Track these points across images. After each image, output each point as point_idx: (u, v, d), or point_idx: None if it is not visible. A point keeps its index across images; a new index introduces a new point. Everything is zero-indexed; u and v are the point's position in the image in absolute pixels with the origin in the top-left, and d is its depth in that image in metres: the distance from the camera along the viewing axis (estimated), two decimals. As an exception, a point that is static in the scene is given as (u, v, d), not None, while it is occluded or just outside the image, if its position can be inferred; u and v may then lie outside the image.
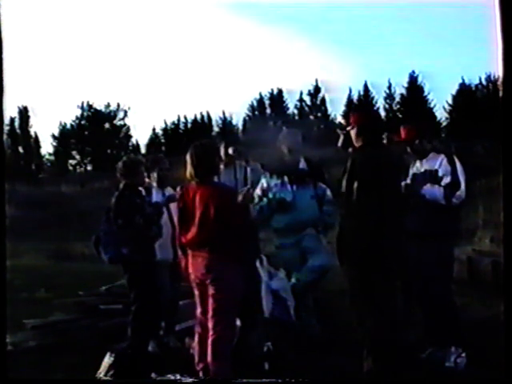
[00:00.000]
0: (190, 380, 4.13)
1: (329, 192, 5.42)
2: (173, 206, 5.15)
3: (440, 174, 4.64)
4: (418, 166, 4.81)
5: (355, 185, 4.02)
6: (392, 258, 4.07)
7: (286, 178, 5.38)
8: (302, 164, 5.47)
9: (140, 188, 5.08)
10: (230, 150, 5.68)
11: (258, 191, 5.34)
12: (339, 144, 4.40)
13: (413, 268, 4.64)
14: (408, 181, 4.78)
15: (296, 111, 43.06)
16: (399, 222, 4.14)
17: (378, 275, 4.05)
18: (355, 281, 4.12)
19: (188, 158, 4.21)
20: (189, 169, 4.21)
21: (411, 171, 4.84)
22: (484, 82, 38.70)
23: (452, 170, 4.63)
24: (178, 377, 4.15)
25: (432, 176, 4.66)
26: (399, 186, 4.33)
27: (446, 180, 4.59)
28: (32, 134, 43.76)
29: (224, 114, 43.46)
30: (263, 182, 5.42)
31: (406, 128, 4.88)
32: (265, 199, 5.32)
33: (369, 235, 3.99)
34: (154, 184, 5.44)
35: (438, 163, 4.69)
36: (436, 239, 4.60)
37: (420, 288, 4.70)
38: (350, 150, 4.32)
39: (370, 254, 3.99)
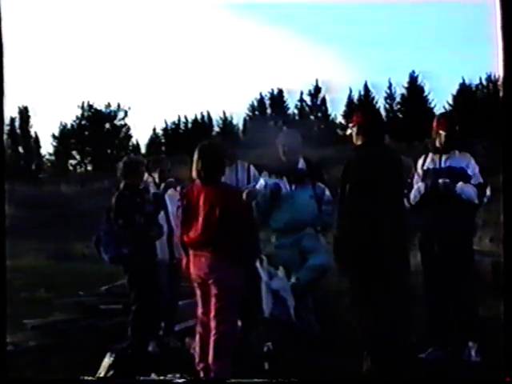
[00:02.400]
0: (187, 379, 4.13)
1: (328, 192, 5.43)
2: (170, 206, 5.16)
3: (470, 173, 4.66)
4: (436, 161, 4.79)
5: (350, 184, 4.03)
6: (390, 257, 4.08)
7: (284, 178, 5.39)
8: (301, 164, 5.48)
9: (140, 188, 5.09)
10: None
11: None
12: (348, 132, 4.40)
13: (439, 267, 4.69)
14: (420, 176, 4.79)
15: (296, 111, 43.03)
16: (398, 220, 4.14)
17: (375, 275, 4.06)
18: (353, 281, 4.12)
19: (196, 156, 4.20)
20: (196, 167, 4.19)
21: (425, 164, 4.82)
22: (484, 82, 38.70)
23: (480, 170, 4.68)
24: (178, 376, 4.15)
25: (462, 175, 4.66)
26: (399, 184, 4.33)
27: (478, 180, 4.63)
28: (32, 134, 43.74)
29: (224, 114, 43.44)
30: (261, 181, 5.42)
31: (444, 117, 4.92)
32: (261, 191, 5.34)
33: (366, 234, 4.00)
34: (151, 182, 5.43)
35: (466, 162, 4.70)
36: (462, 238, 4.68)
37: (448, 285, 4.73)
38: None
39: (367, 253, 3.99)
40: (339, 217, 4.18)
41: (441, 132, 4.76)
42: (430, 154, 4.83)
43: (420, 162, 4.88)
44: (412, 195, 4.76)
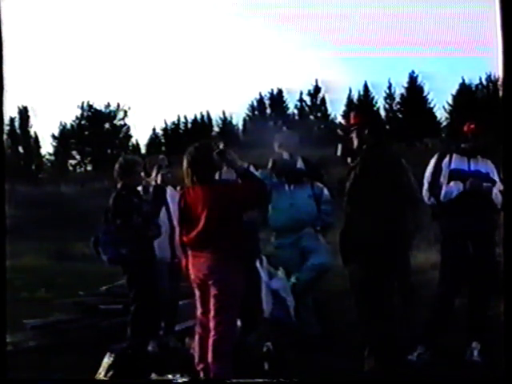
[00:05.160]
0: (187, 379, 4.13)
1: (326, 191, 5.45)
2: (172, 204, 5.16)
3: (497, 180, 4.75)
4: (464, 163, 4.83)
5: (368, 183, 4.05)
6: (401, 256, 4.13)
7: (283, 178, 5.41)
8: (300, 164, 5.49)
9: (138, 188, 5.09)
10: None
11: None
12: (338, 153, 4.42)
13: (464, 265, 4.73)
14: (443, 175, 4.82)
15: (296, 111, 42.99)
16: (405, 221, 4.17)
17: (387, 274, 4.09)
18: (362, 280, 4.11)
19: (185, 164, 4.17)
20: (188, 174, 4.17)
21: (451, 165, 4.84)
22: (484, 82, 38.70)
23: (499, 177, 4.76)
24: (178, 376, 4.15)
25: (491, 180, 4.76)
26: (399, 185, 4.34)
27: (501, 186, 4.66)
28: (32, 134, 43.70)
29: (224, 114, 43.36)
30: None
31: (474, 123, 4.91)
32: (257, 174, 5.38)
33: (370, 234, 4.01)
34: (153, 183, 5.44)
35: (491, 169, 4.81)
36: (494, 238, 4.75)
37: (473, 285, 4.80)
38: (349, 160, 4.35)
39: (369, 252, 4.01)
40: (347, 217, 4.20)
41: (479, 135, 4.83)
42: (455, 155, 4.86)
43: (446, 160, 4.87)
44: (446, 193, 4.77)
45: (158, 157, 5.77)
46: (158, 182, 5.31)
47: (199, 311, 4.27)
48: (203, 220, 4.11)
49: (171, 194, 5.31)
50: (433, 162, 4.91)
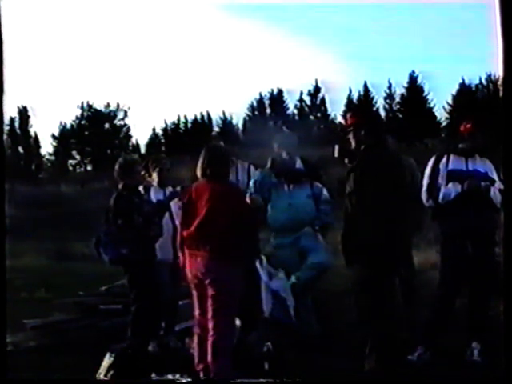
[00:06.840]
0: (188, 380, 4.13)
1: (325, 191, 5.45)
2: (174, 207, 5.16)
3: (496, 179, 4.74)
4: (462, 163, 4.82)
5: (368, 184, 4.05)
6: (404, 256, 4.13)
7: (282, 178, 5.42)
8: (299, 164, 5.50)
9: (139, 187, 5.09)
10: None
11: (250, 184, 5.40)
12: (335, 154, 4.42)
13: (465, 266, 4.73)
14: (441, 175, 4.81)
15: (296, 111, 43.02)
16: (403, 220, 4.17)
17: (389, 274, 4.09)
18: (364, 280, 4.10)
19: (202, 155, 4.22)
20: (201, 166, 4.20)
21: (449, 165, 4.83)
22: (484, 82, 38.71)
23: (498, 176, 4.74)
24: (178, 376, 4.15)
25: (489, 179, 4.75)
26: (400, 185, 4.34)
27: (500, 185, 4.66)
28: (32, 134, 43.74)
29: (224, 114, 43.41)
30: (257, 174, 5.43)
31: (470, 123, 4.91)
32: (257, 173, 5.40)
33: (371, 234, 4.01)
34: (154, 183, 5.45)
35: (489, 168, 4.80)
36: (493, 238, 4.73)
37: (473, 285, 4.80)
38: (346, 161, 4.35)
39: (383, 252, 4.01)
40: (347, 217, 4.21)
41: (476, 135, 4.83)
42: (452, 156, 4.85)
43: (443, 161, 4.86)
44: (444, 194, 4.76)
45: (161, 159, 5.77)
46: (166, 190, 5.35)
47: (197, 312, 4.28)
48: (204, 216, 4.11)
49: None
50: (430, 164, 4.90)
